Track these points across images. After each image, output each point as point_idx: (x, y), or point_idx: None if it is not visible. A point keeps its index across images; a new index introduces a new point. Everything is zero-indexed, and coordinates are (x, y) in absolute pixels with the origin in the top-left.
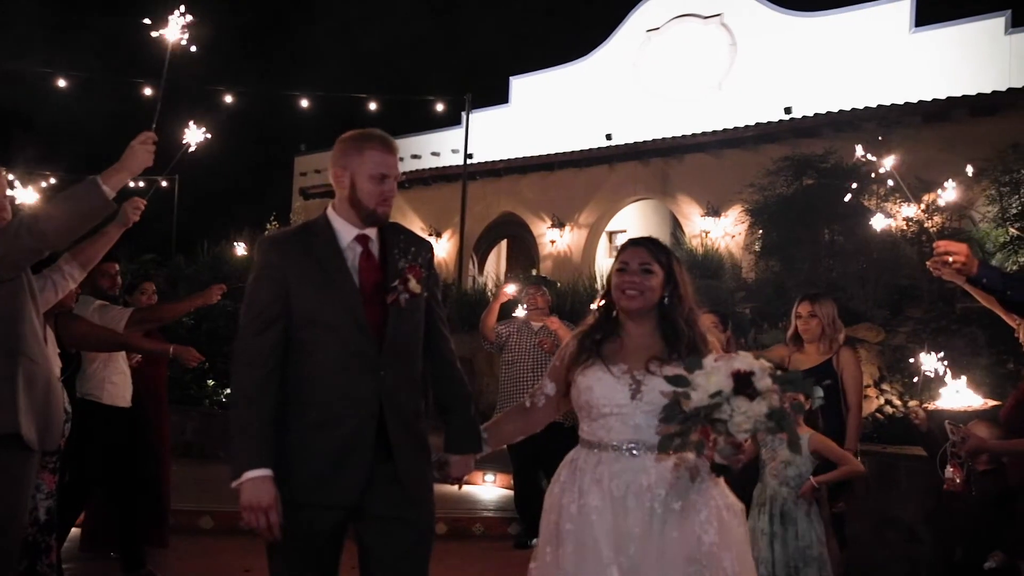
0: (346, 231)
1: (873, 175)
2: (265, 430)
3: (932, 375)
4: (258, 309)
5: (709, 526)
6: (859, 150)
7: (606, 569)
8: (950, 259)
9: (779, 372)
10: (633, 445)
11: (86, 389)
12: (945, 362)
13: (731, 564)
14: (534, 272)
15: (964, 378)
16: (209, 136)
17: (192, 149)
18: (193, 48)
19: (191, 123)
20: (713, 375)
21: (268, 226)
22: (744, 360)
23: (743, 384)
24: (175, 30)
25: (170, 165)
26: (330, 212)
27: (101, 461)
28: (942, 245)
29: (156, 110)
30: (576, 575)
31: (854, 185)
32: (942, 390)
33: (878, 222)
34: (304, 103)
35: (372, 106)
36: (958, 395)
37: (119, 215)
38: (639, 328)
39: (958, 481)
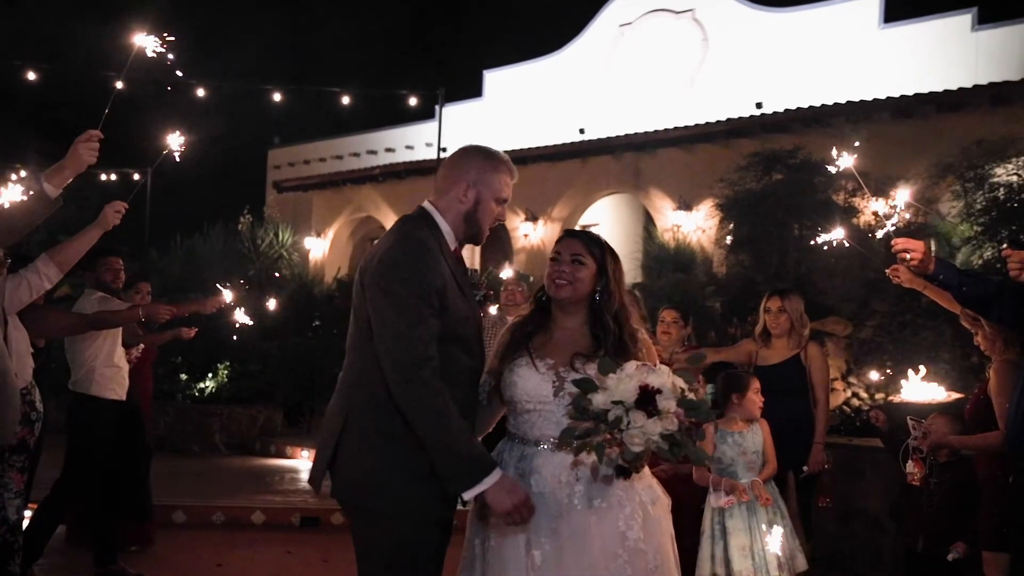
0: (451, 243)
1: (837, 171)
2: (473, 434)
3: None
4: (427, 318)
5: (633, 521)
6: (842, 158)
7: (524, 560)
8: (908, 256)
9: (688, 397)
10: (555, 441)
11: (75, 380)
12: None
13: (653, 557)
14: (507, 266)
15: (922, 370)
16: (182, 142)
17: (176, 153)
18: (153, 53)
19: (175, 132)
20: (623, 383)
21: (241, 219)
22: (659, 376)
23: (645, 400)
24: (146, 41)
25: (154, 165)
26: (439, 219)
27: (92, 453)
28: (900, 243)
29: (105, 110)
30: (500, 570)
31: (836, 177)
32: (904, 383)
33: (836, 235)
34: (277, 96)
35: (345, 99)
36: (922, 388)
37: (99, 217)
38: (569, 321)
39: (919, 476)
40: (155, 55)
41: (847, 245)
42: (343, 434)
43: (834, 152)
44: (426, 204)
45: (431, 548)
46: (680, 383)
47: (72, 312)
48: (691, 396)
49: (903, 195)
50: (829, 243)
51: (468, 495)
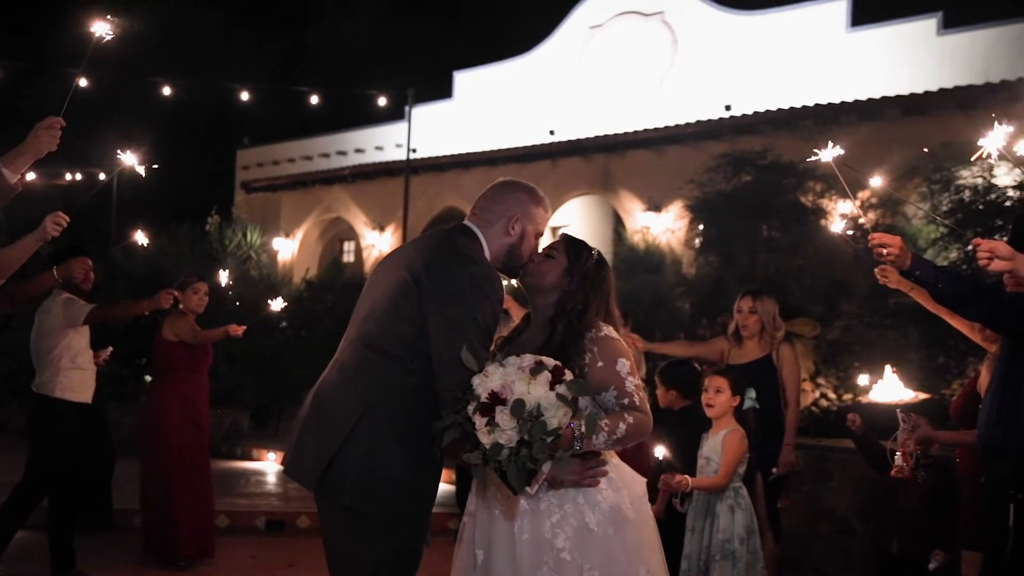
0: None
1: (815, 165)
2: None
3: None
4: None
5: (559, 531)
6: (824, 155)
7: (471, 559)
8: (884, 251)
9: (543, 419)
10: None
11: (39, 382)
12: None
13: (588, 572)
14: None
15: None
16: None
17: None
18: (109, 36)
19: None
20: (488, 380)
21: (209, 220)
22: (524, 387)
23: (486, 408)
24: (101, 27)
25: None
26: (484, 247)
27: (54, 457)
28: (876, 237)
29: (68, 97)
30: (455, 568)
31: (805, 178)
32: (873, 385)
33: (836, 227)
34: (245, 96)
35: (314, 99)
36: (889, 389)
37: (38, 228)
38: (537, 317)
39: (906, 468)
40: (109, 36)
41: (848, 236)
42: (357, 430)
43: (817, 153)
44: (476, 230)
45: (418, 559)
46: (550, 400)
47: None
48: (551, 419)
49: (875, 180)
50: (798, 244)
51: (533, 488)
